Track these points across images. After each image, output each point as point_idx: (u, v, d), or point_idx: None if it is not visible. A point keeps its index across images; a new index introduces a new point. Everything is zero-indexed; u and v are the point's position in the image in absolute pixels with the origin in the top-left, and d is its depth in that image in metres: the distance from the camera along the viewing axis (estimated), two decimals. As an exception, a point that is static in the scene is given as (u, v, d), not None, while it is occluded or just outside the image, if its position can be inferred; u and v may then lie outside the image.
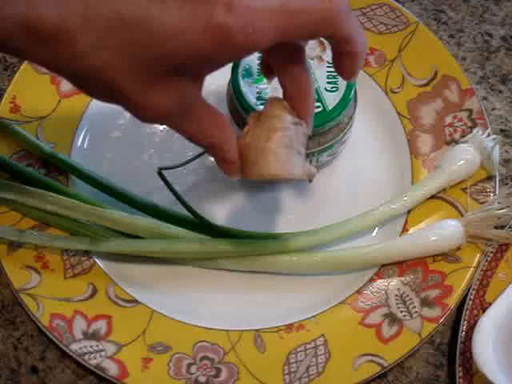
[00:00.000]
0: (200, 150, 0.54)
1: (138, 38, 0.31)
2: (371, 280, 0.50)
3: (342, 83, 0.49)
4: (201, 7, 0.31)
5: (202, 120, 0.37)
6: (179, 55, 0.32)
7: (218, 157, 0.39)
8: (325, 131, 0.49)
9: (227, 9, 0.31)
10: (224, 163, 0.39)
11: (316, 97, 0.48)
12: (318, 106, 0.48)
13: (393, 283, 0.49)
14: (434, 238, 0.49)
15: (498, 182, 0.52)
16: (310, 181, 0.43)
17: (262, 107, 0.44)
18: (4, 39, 0.32)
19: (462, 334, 0.47)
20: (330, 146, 0.50)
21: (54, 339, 0.47)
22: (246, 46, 0.32)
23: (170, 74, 0.33)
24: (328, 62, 0.50)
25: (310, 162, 0.51)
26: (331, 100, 0.49)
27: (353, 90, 0.49)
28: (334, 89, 0.49)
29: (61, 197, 0.50)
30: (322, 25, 0.34)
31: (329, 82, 0.49)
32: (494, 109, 0.57)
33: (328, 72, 0.49)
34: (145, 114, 0.35)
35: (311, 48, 0.50)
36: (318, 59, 0.50)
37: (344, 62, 0.37)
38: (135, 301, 0.49)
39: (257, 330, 0.48)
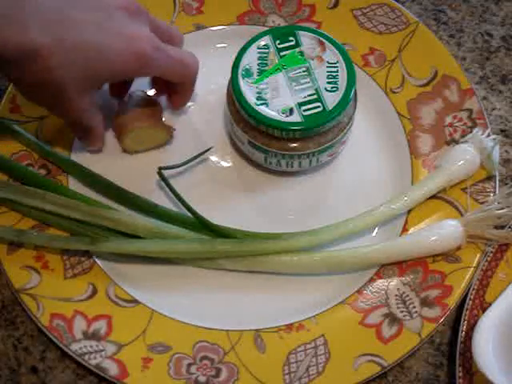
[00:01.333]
0: (199, 151, 0.54)
1: (91, 55, 0.45)
2: (371, 280, 0.50)
3: (343, 83, 0.49)
4: (134, 42, 0.46)
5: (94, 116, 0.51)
6: (112, 71, 0.47)
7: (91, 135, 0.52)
8: (325, 131, 0.49)
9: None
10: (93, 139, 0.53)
11: (316, 97, 0.49)
12: (318, 106, 0.48)
13: (393, 283, 0.49)
14: (433, 238, 0.49)
15: (497, 182, 0.52)
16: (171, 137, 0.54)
17: (262, 107, 0.48)
18: None
19: (461, 334, 0.47)
20: (329, 146, 0.50)
21: (54, 339, 0.47)
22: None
23: (94, 87, 0.48)
24: (328, 62, 0.50)
25: (310, 162, 0.51)
26: (331, 100, 0.49)
27: (353, 89, 0.49)
28: (334, 89, 0.49)
29: (61, 197, 0.50)
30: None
31: (329, 82, 0.49)
32: (494, 109, 0.57)
33: (328, 72, 0.50)
34: (66, 113, 0.49)
35: (311, 48, 0.50)
36: (318, 59, 0.50)
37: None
38: (135, 301, 0.49)
39: (257, 330, 0.48)
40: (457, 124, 0.54)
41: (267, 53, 0.51)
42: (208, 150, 0.54)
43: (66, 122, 0.51)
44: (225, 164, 0.55)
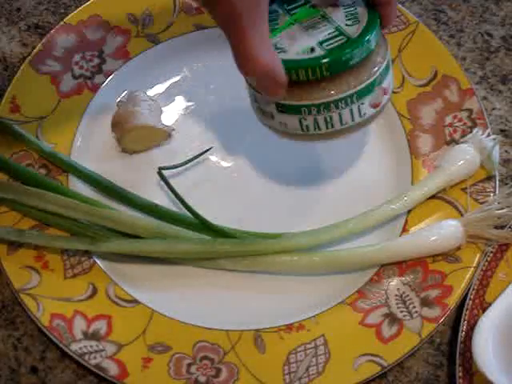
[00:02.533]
0: (199, 151, 0.54)
1: None
2: (371, 280, 0.50)
3: (363, 17, 0.44)
4: None
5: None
6: None
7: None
8: (357, 67, 0.43)
9: None
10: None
11: (337, 33, 0.43)
12: (341, 39, 0.43)
13: (393, 283, 0.49)
14: (433, 238, 0.49)
15: (497, 182, 0.52)
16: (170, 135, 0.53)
17: (280, 55, 0.43)
18: None
19: (461, 334, 0.47)
20: (368, 88, 0.44)
21: (54, 339, 0.47)
22: None
23: None
24: (344, 6, 0.45)
25: (352, 113, 0.45)
26: (354, 30, 0.43)
27: (377, 19, 0.44)
28: (356, 22, 0.44)
29: (61, 197, 0.50)
30: None
31: (349, 19, 0.44)
32: (493, 109, 0.57)
33: (346, 12, 0.45)
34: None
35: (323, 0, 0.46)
36: (333, 6, 0.45)
37: (384, 12, 0.44)
38: (135, 301, 0.49)
39: (257, 330, 0.48)
40: (457, 124, 0.54)
41: (276, 15, 0.46)
42: (208, 150, 0.54)
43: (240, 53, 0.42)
44: (225, 164, 0.55)
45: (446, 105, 0.55)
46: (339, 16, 0.44)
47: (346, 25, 0.43)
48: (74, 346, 0.47)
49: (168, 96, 0.57)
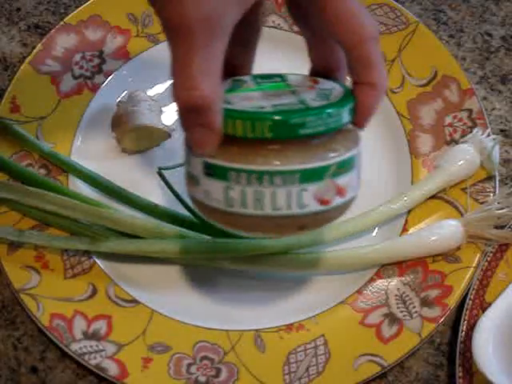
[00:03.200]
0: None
1: None
2: (371, 280, 0.50)
3: (336, 96, 0.36)
4: None
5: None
6: None
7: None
8: (308, 141, 0.35)
9: None
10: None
11: (298, 102, 0.36)
12: (298, 105, 0.36)
13: (393, 283, 0.49)
14: (434, 238, 0.49)
15: (497, 182, 0.52)
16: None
17: (224, 105, 0.35)
18: None
19: (461, 334, 0.47)
20: (315, 173, 0.35)
21: (54, 339, 0.47)
22: None
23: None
24: (320, 88, 0.38)
25: (289, 196, 0.35)
26: (317, 104, 0.36)
27: (348, 104, 0.36)
28: (324, 99, 0.36)
29: (61, 197, 0.50)
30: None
31: (318, 96, 0.37)
32: (493, 109, 0.57)
33: (318, 92, 0.37)
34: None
35: (301, 81, 0.39)
36: (309, 88, 0.38)
37: (361, 95, 0.35)
38: (135, 301, 0.49)
39: (257, 330, 0.48)
40: (457, 124, 0.54)
41: (243, 83, 0.39)
42: (208, 150, 0.54)
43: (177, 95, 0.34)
44: (225, 164, 0.55)
45: (445, 105, 0.55)
46: (310, 94, 0.37)
47: (312, 99, 0.36)
48: (74, 346, 0.47)
49: (168, 96, 0.57)
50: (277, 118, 0.34)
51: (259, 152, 0.35)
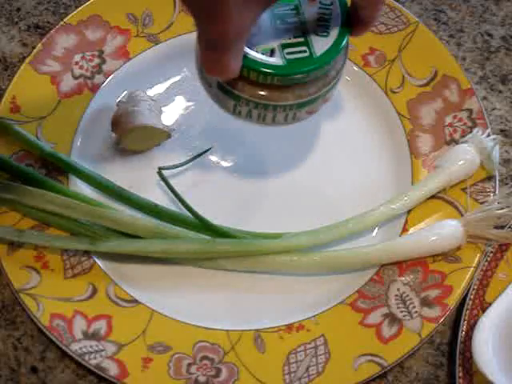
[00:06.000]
0: (199, 151, 0.54)
1: None
2: (371, 280, 0.50)
3: (334, 29, 0.42)
4: None
5: None
6: None
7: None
8: (307, 82, 0.42)
9: None
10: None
11: (303, 39, 0.42)
12: (304, 51, 0.41)
13: (393, 283, 0.49)
14: (433, 238, 0.49)
15: (497, 182, 0.52)
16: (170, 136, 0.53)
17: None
18: None
19: (461, 334, 0.47)
20: (310, 101, 0.44)
21: (54, 339, 0.47)
22: None
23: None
24: (321, 3, 0.43)
25: (286, 116, 0.44)
26: (320, 46, 0.41)
27: (345, 38, 0.42)
28: (325, 34, 0.42)
29: (61, 197, 0.50)
30: None
31: (319, 25, 0.42)
32: (493, 109, 0.57)
33: (320, 14, 0.42)
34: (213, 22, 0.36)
35: None
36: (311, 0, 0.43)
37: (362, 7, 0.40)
38: (135, 301, 0.49)
39: (257, 330, 0.48)
40: (457, 124, 0.54)
41: None
42: (208, 150, 0.54)
43: (205, 33, 0.38)
44: (225, 164, 0.55)
45: (445, 105, 0.55)
46: (312, 15, 0.42)
47: (315, 32, 0.42)
48: (74, 346, 0.47)
49: (168, 96, 0.57)
50: (284, 72, 0.41)
51: (266, 89, 0.42)
